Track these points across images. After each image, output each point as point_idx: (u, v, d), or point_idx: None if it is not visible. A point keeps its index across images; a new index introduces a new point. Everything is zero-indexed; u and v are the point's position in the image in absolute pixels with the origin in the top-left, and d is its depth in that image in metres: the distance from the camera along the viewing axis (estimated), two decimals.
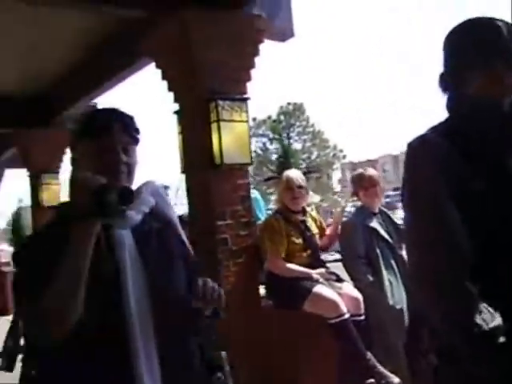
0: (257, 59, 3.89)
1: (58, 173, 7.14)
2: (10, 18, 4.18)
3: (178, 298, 1.44)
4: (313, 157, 38.69)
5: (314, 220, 3.88)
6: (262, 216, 4.79)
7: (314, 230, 3.80)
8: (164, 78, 3.92)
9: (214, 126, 3.69)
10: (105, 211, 1.26)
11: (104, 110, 1.57)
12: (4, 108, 6.34)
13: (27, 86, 6.05)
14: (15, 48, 4.86)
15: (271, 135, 37.55)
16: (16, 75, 5.71)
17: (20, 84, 5.99)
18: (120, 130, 1.47)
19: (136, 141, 1.52)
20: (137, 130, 1.53)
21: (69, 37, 4.81)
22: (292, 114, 38.46)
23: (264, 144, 37.62)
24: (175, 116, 4.02)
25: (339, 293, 3.44)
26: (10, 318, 3.77)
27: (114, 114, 1.51)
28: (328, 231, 3.94)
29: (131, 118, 1.53)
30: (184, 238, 1.64)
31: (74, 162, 1.53)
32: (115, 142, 1.45)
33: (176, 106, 3.97)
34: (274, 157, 36.77)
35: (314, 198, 4.99)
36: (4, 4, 3.82)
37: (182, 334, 1.46)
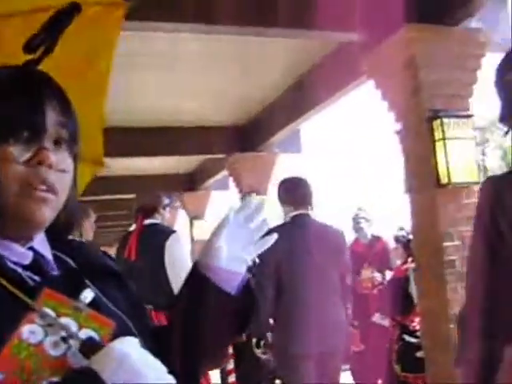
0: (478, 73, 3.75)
1: (265, 194, 7.05)
2: (222, 46, 4.51)
3: None
4: None
5: None
6: None
7: None
8: (384, 98, 3.92)
9: (439, 144, 3.58)
10: None
11: None
12: (218, 135, 6.97)
13: (238, 113, 6.52)
14: (227, 76, 5.29)
15: None
16: (228, 103, 6.17)
17: (231, 112, 6.48)
18: None
19: None
20: None
21: (279, 63, 5.05)
22: None
23: None
24: (395, 136, 3.92)
25: None
26: None
27: None
28: None
29: None
30: None
31: None
32: None
33: (397, 126, 3.91)
34: None
35: None
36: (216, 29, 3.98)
37: None
